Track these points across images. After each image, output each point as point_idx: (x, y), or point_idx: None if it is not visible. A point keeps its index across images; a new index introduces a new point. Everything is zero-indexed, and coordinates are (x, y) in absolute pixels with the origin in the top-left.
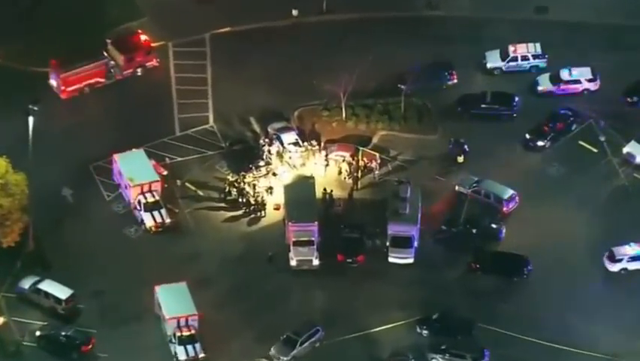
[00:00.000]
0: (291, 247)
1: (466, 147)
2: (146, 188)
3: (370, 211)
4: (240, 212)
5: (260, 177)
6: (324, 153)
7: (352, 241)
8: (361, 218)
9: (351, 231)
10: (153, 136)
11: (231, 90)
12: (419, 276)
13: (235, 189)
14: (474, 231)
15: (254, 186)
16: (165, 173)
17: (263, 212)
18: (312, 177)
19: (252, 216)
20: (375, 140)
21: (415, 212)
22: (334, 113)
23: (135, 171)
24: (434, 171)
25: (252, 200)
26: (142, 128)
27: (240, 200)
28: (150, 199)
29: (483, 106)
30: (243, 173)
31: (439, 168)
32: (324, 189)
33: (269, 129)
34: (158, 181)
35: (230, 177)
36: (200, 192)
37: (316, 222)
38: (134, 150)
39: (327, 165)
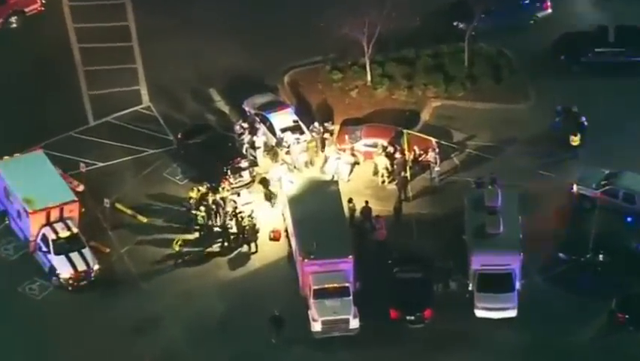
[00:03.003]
0: (312, 301)
1: (583, 119)
2: (54, 215)
3: (435, 235)
4: (215, 247)
5: (241, 187)
6: (347, 141)
7: (412, 286)
8: (421, 247)
9: (408, 269)
10: (53, 128)
11: (174, 47)
12: (528, 338)
13: (204, 210)
14: (612, 259)
15: (233, 202)
16: (81, 189)
17: (253, 245)
18: (334, 182)
19: (236, 253)
20: (425, 116)
21: (513, 231)
22: (352, 74)
23: (34, 186)
24: (533, 162)
25: (231, 226)
26: (32, 115)
27: (212, 227)
28: (63, 233)
29: (601, 51)
30: (211, 182)
31: (542, 156)
32: (351, 201)
33: (246, 108)
34: (74, 203)
35: (193, 190)
36: (143, 218)
37: (351, 257)
38: (27, 152)
39: (355, 162)
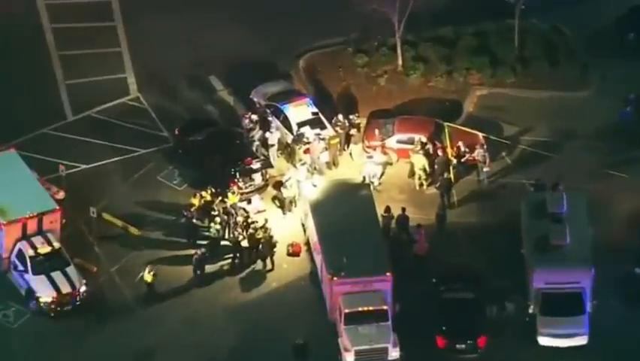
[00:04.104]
0: (342, 327)
1: None
2: (31, 227)
3: (487, 247)
4: (223, 264)
5: (252, 192)
6: (377, 137)
7: (462, 309)
8: (470, 262)
9: (456, 288)
10: (24, 124)
11: (166, 25)
12: None
13: (219, 221)
14: None
15: (244, 211)
16: (62, 196)
17: (269, 262)
18: (365, 186)
19: (248, 271)
20: (468, 106)
21: (583, 243)
22: (380, 57)
23: (7, 193)
24: (600, 161)
25: (243, 239)
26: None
27: (219, 240)
28: (43, 249)
29: None
30: (216, 187)
31: (609, 153)
32: (389, 211)
33: (255, 98)
34: (55, 212)
35: (195, 197)
36: (135, 230)
37: (389, 274)
38: None
39: (387, 162)
